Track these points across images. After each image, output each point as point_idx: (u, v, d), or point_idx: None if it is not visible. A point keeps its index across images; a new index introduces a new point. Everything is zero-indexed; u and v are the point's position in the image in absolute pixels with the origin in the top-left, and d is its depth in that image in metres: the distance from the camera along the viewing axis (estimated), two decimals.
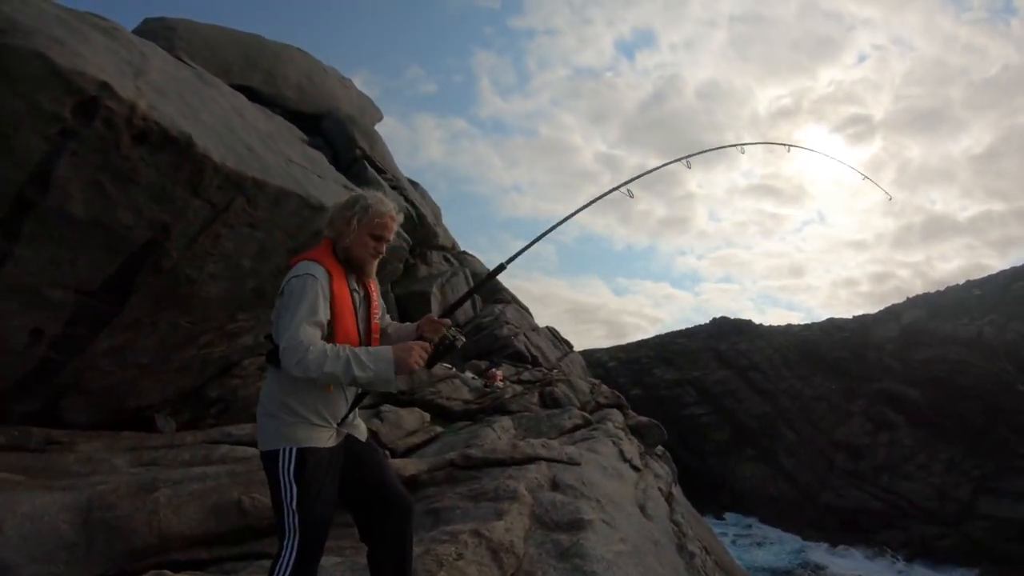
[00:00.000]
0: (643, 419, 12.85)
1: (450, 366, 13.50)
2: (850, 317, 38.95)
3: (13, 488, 3.73)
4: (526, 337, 19.17)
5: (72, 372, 5.33)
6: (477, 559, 3.44)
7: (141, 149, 4.30)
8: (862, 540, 28.16)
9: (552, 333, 23.12)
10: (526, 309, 22.99)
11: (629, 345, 45.78)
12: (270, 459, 2.25)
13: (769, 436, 35.17)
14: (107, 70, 4.10)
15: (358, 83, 22.81)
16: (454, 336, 2.42)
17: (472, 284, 18.65)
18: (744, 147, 4.29)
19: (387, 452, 6.50)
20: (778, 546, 28.86)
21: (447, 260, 21.74)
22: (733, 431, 36.42)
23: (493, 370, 14.32)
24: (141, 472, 4.58)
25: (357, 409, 2.51)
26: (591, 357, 39.34)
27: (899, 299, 37.52)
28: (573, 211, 3.09)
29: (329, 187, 6.58)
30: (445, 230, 22.70)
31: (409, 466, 5.22)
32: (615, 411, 12.81)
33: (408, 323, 2.69)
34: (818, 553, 27.62)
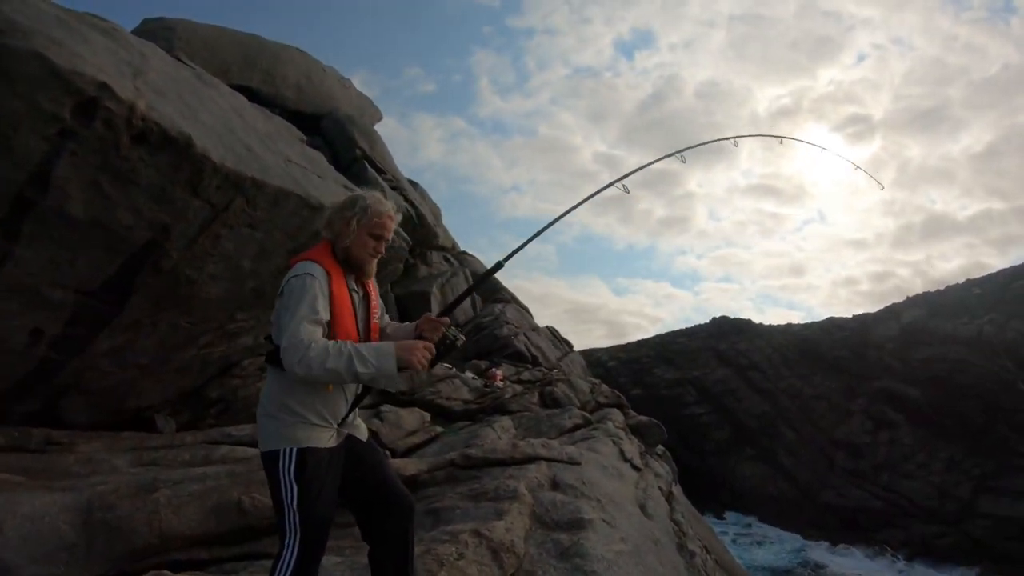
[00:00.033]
0: (643, 418, 12.86)
1: (450, 366, 13.51)
2: (850, 316, 38.94)
3: (13, 489, 3.73)
4: (526, 337, 19.17)
5: (72, 372, 5.33)
6: (477, 559, 3.44)
7: (140, 149, 4.29)
8: (862, 539, 28.15)
9: (552, 333, 23.12)
10: (526, 309, 22.99)
11: (629, 345, 45.76)
12: (270, 459, 2.25)
13: (769, 435, 35.16)
14: (106, 70, 4.10)
15: (357, 83, 22.84)
16: (455, 336, 2.41)
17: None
18: (737, 140, 4.30)
19: (387, 452, 6.50)
20: (778, 545, 28.86)
21: (447, 260, 21.74)
22: (733, 430, 36.41)
23: (493, 370, 14.33)
24: (141, 472, 4.58)
25: (357, 409, 2.51)
26: (591, 357, 39.34)
27: (899, 298, 37.56)
28: (569, 207, 3.08)
29: (329, 187, 6.58)
30: (445, 230, 22.71)
31: (409, 466, 5.22)
32: (615, 411, 12.81)
33: (407, 323, 2.69)
34: (818, 552, 27.62)
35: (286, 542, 2.18)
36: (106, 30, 4.85)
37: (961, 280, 37.12)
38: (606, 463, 6.78)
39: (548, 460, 5.78)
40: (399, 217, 2.56)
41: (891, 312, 36.06)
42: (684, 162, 3.75)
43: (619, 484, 6.27)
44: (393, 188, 18.09)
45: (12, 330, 4.58)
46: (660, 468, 9.52)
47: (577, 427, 9.57)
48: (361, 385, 2.47)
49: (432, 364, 2.31)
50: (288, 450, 2.22)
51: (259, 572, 3.41)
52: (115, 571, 3.41)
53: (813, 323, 40.62)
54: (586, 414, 10.55)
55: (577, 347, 26.01)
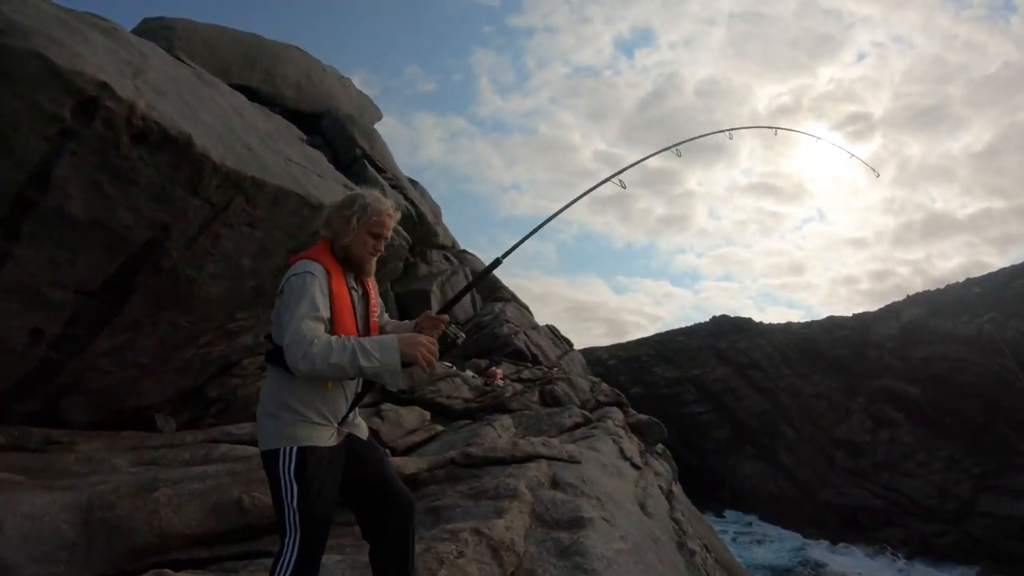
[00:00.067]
0: (643, 417, 12.87)
1: (450, 364, 13.52)
2: (850, 315, 38.96)
3: (13, 488, 3.74)
4: (526, 335, 19.17)
5: (72, 372, 5.33)
6: (478, 557, 3.44)
7: (140, 149, 4.30)
8: (862, 538, 28.18)
9: (552, 331, 23.13)
10: (526, 307, 23.00)
11: (629, 343, 45.77)
12: (270, 458, 2.25)
13: (769, 434, 35.19)
14: (106, 70, 4.10)
15: (357, 82, 22.82)
16: (455, 333, 2.41)
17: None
18: (732, 133, 4.39)
19: (387, 450, 6.50)
20: (778, 544, 28.88)
21: (447, 259, 21.74)
22: (733, 429, 36.43)
23: (493, 368, 14.33)
24: (141, 472, 4.59)
25: (358, 408, 2.51)
26: (591, 355, 39.36)
27: (899, 297, 37.55)
28: (566, 204, 3.09)
29: (329, 186, 6.58)
30: (445, 229, 22.71)
31: (409, 464, 5.22)
32: (615, 409, 12.82)
33: (407, 320, 2.69)
34: (818, 551, 27.64)
35: (286, 541, 2.18)
36: (106, 30, 4.85)
37: (961, 279, 37.14)
38: (606, 462, 6.79)
39: (548, 459, 5.78)
40: (398, 215, 2.56)
41: (891, 311, 36.05)
42: (680, 155, 3.81)
43: (619, 482, 6.28)
44: (393, 187, 18.08)
45: (12, 330, 4.58)
46: (660, 467, 9.52)
47: (577, 425, 9.58)
48: (361, 384, 2.47)
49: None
50: (288, 449, 2.22)
51: (259, 571, 3.41)
52: (115, 570, 3.42)
53: (813, 322, 40.67)
54: (586, 413, 10.57)
55: (577, 346, 26.04)
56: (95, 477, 4.39)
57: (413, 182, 21.91)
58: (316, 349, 2.10)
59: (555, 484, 5.18)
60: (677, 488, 9.77)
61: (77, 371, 5.36)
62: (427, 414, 9.46)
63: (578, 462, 5.96)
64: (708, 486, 32.45)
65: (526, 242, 2.80)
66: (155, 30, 14.65)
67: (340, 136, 18.26)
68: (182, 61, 6.99)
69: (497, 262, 2.73)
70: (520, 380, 14.51)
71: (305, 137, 10.16)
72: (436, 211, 22.62)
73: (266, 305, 6.04)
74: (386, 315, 2.72)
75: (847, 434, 32.44)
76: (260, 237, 5.61)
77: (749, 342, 39.20)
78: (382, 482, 2.48)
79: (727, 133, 4.38)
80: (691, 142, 3.98)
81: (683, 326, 45.03)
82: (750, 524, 31.87)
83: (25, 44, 3.67)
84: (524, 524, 4.13)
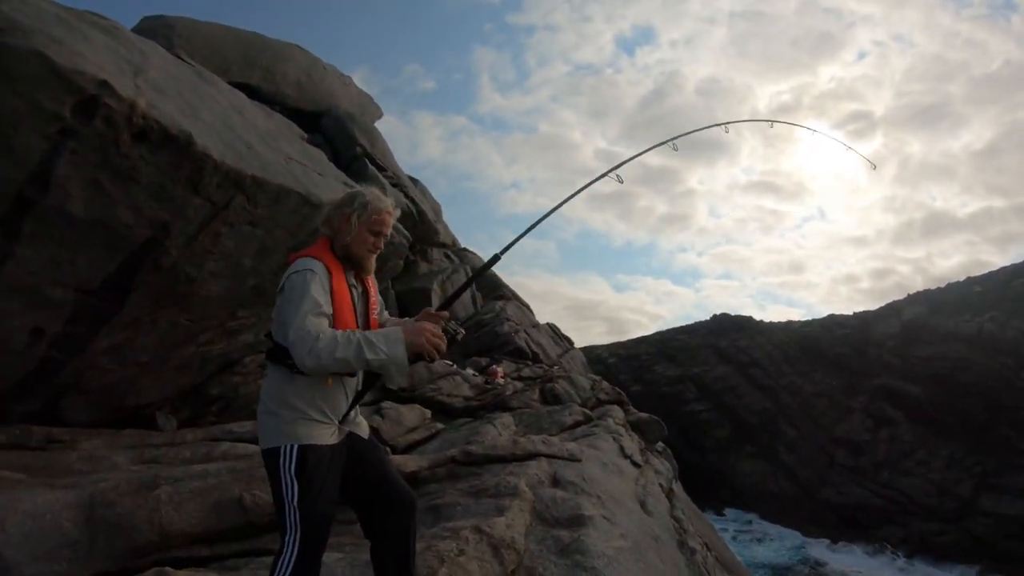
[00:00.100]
0: (643, 415, 12.87)
1: (451, 363, 13.51)
2: (851, 313, 38.97)
3: (14, 486, 3.74)
4: (527, 334, 19.17)
5: (72, 371, 5.33)
6: (478, 555, 3.45)
7: (141, 147, 4.30)
8: (862, 536, 28.21)
9: (553, 330, 23.12)
10: (527, 306, 23.00)
11: (629, 342, 45.78)
12: (271, 456, 2.25)
13: (769, 432, 35.21)
14: (107, 69, 4.10)
15: (357, 80, 22.81)
16: (455, 330, 2.41)
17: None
18: (728, 127, 4.42)
19: (388, 449, 6.51)
20: (778, 542, 28.91)
21: (447, 257, 21.73)
22: (733, 427, 36.45)
23: (494, 367, 14.32)
24: (142, 470, 4.59)
25: (359, 406, 2.51)
26: (592, 354, 39.36)
27: (900, 295, 37.52)
28: (563, 199, 3.11)
29: (329, 184, 6.58)
30: (445, 227, 22.70)
31: (410, 462, 5.22)
32: (616, 407, 12.81)
33: (407, 318, 2.69)
34: (818, 549, 27.67)
35: (287, 539, 2.18)
36: (106, 28, 4.84)
37: (962, 277, 37.16)
38: (606, 460, 6.79)
39: (549, 457, 5.79)
40: (398, 213, 2.57)
41: (892, 309, 36.07)
42: (676, 150, 3.86)
43: (619, 481, 6.29)
44: (393, 185, 18.07)
45: (13, 330, 4.58)
46: (660, 465, 9.53)
47: (577, 424, 9.57)
48: (362, 382, 2.48)
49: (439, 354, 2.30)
50: (289, 447, 2.22)
51: (260, 569, 3.41)
52: (117, 568, 3.42)
53: (814, 320, 40.71)
54: (586, 411, 10.56)
55: (577, 344, 26.03)
56: (96, 475, 4.39)
57: (413, 180, 21.91)
58: (322, 344, 2.09)
59: (556, 482, 5.19)
60: (677, 486, 9.79)
61: (77, 370, 5.37)
62: (427, 412, 9.46)
63: (578, 460, 5.96)
64: (708, 484, 32.48)
65: (526, 240, 2.82)
66: (155, 28, 14.64)
67: (340, 134, 18.24)
68: (182, 59, 6.99)
69: (496, 258, 2.74)
70: (521, 378, 14.51)
71: (305, 135, 10.15)
72: (436, 209, 22.60)
73: (267, 303, 6.04)
74: (386, 313, 2.72)
75: (847, 433, 32.46)
76: (261, 235, 5.61)
77: (749, 340, 39.22)
78: (383, 480, 2.48)
79: (724, 127, 4.41)
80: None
81: (683, 324, 45.12)
82: (750, 522, 31.91)
83: (25, 43, 3.67)
84: (525, 522, 4.13)
